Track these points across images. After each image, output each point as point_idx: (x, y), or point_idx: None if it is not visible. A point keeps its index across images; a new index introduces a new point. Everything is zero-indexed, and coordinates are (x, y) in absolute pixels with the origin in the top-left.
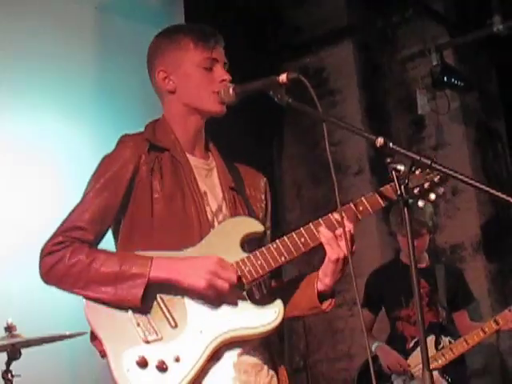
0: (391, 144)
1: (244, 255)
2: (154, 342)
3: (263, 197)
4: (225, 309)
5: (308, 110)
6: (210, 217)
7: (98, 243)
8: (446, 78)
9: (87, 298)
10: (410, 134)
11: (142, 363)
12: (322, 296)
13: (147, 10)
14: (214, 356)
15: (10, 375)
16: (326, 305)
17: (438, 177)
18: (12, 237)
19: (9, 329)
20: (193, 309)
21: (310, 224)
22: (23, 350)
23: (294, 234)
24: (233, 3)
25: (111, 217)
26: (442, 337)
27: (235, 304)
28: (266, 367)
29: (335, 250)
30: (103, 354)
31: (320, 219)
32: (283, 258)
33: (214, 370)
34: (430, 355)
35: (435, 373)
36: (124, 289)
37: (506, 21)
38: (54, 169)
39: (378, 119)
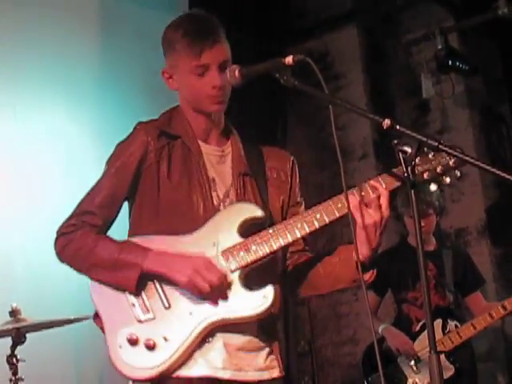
0: (398, 125)
1: (240, 240)
2: (147, 321)
3: (289, 178)
4: (215, 291)
5: (314, 92)
6: (216, 202)
7: (107, 228)
8: (450, 62)
9: (91, 278)
10: (414, 118)
11: (133, 341)
12: (363, 267)
13: None
14: (206, 337)
15: (14, 359)
16: (367, 276)
17: (453, 160)
18: (17, 222)
19: (13, 313)
20: (185, 291)
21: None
22: (28, 335)
23: (291, 219)
24: None
25: (118, 203)
26: (449, 321)
27: (227, 288)
28: (265, 351)
29: (365, 216)
30: (103, 331)
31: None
32: (278, 244)
33: (205, 350)
34: (436, 339)
35: (442, 357)
36: (119, 275)
37: (511, 4)
38: (59, 151)
39: (383, 103)
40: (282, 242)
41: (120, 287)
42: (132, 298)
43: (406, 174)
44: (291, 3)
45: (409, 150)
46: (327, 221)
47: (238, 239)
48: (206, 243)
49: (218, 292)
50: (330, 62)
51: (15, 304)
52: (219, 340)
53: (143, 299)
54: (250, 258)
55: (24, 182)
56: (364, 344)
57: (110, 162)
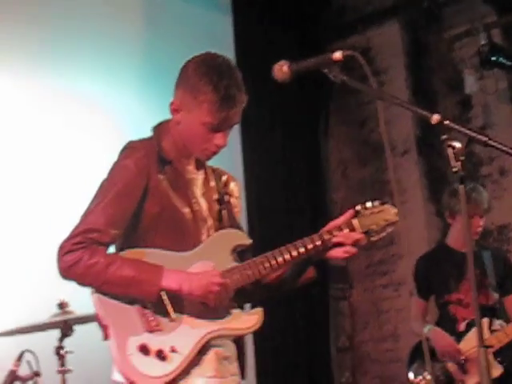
0: (447, 121)
1: (234, 264)
2: (155, 332)
3: (236, 202)
4: (214, 310)
5: (363, 88)
6: (201, 224)
7: (110, 246)
8: (493, 58)
9: (102, 293)
10: (456, 113)
11: (143, 349)
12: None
13: None
14: (202, 350)
15: (63, 351)
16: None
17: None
18: (65, 214)
19: (61, 306)
20: (188, 307)
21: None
22: (75, 327)
23: (276, 250)
24: None
25: (126, 221)
26: (495, 320)
27: (225, 305)
28: (235, 359)
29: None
30: (106, 338)
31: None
32: (264, 271)
33: (201, 361)
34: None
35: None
36: (135, 292)
37: None
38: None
39: (425, 99)
40: (268, 269)
41: (134, 301)
42: (141, 310)
43: (456, 169)
44: None
45: (458, 144)
46: (304, 254)
47: (232, 263)
48: (204, 263)
49: (219, 308)
50: (372, 58)
51: (63, 297)
52: (212, 350)
53: (151, 311)
54: (244, 281)
55: (73, 164)
56: (405, 340)
57: (112, 180)
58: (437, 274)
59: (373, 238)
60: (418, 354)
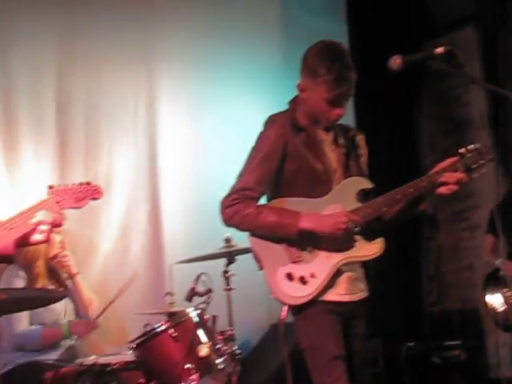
0: None
1: (359, 205)
2: (298, 262)
3: (362, 151)
4: (345, 241)
5: (460, 74)
6: (332, 175)
7: (260, 199)
8: None
9: (255, 235)
10: None
11: (289, 277)
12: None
13: (319, 5)
14: (337, 273)
15: (228, 274)
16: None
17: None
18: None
19: (227, 241)
20: (323, 240)
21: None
22: (238, 257)
23: (393, 191)
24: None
25: (270, 180)
26: None
27: (352, 238)
28: (363, 277)
29: (450, 191)
30: (261, 268)
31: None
32: (384, 209)
33: (335, 282)
34: None
35: None
36: (281, 233)
37: None
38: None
39: (495, 86)
40: (387, 207)
41: (281, 238)
42: (286, 246)
43: None
44: (425, 8)
45: None
46: (415, 191)
47: (357, 204)
48: (334, 205)
49: (348, 239)
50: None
51: (228, 234)
52: (344, 274)
53: (294, 246)
54: (367, 217)
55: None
56: (480, 271)
57: (259, 147)
58: (508, 217)
59: (474, 175)
60: (491, 281)
